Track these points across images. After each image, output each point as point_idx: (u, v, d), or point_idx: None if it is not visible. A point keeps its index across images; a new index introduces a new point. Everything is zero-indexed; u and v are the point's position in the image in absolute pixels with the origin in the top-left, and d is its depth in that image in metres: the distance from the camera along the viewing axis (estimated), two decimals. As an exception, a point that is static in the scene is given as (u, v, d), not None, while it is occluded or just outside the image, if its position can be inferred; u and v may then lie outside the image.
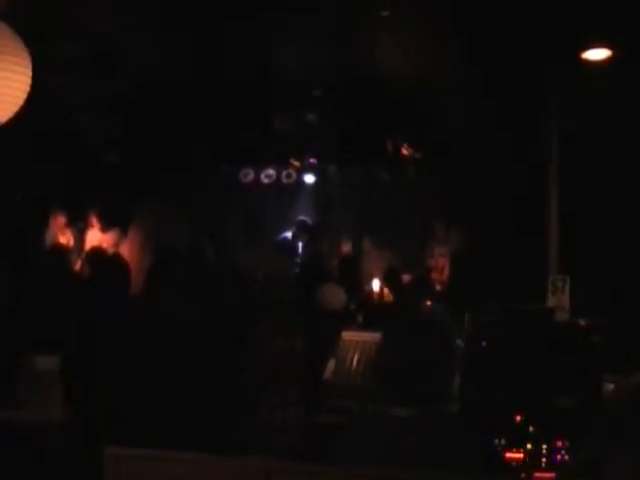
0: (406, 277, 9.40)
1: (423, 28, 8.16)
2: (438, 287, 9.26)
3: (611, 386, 3.72)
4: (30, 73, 4.56)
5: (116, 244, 9.65)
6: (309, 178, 12.78)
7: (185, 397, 3.96)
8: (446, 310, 6.81)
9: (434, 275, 9.58)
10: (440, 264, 10.20)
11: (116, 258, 5.79)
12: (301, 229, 11.85)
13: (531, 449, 3.54)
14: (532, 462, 3.53)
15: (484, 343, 3.80)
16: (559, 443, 3.52)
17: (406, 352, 2.67)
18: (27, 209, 9.95)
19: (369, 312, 6.94)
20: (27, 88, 4.52)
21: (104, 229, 10.04)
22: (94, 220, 10.11)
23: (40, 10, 6.79)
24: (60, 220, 10.02)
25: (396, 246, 11.06)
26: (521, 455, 3.54)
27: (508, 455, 3.53)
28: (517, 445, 3.55)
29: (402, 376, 2.65)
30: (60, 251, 7.68)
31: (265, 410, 4.62)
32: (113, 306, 4.49)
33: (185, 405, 3.94)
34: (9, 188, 9.77)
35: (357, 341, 4.93)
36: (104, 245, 9.08)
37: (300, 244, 11.57)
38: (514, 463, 3.52)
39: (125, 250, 9.25)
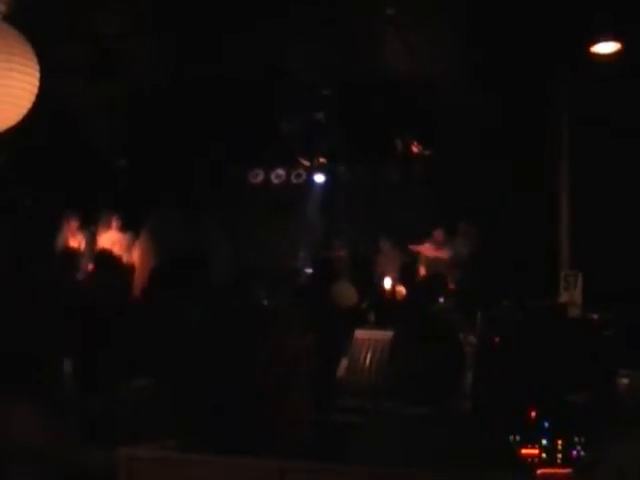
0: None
1: (430, 26, 8.15)
2: (451, 285, 9.22)
3: (625, 381, 3.71)
4: (38, 75, 4.57)
5: (129, 247, 9.67)
6: (319, 177, 12.76)
7: (204, 399, 3.95)
8: (454, 307, 6.82)
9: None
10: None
11: (117, 259, 5.82)
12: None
13: (546, 445, 3.52)
14: (548, 458, 3.51)
15: (497, 339, 3.79)
16: (575, 438, 3.50)
17: (417, 350, 2.66)
18: (37, 213, 9.98)
19: (381, 310, 6.94)
20: (35, 90, 4.53)
21: (123, 230, 10.09)
22: (114, 221, 10.14)
23: (48, 13, 6.81)
24: (73, 224, 10.06)
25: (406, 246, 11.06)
26: (536, 451, 3.52)
27: (523, 451, 3.51)
28: (532, 441, 3.53)
29: (414, 374, 2.64)
30: (69, 254, 7.72)
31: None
32: (113, 306, 4.49)
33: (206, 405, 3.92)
34: (20, 192, 9.80)
35: (370, 339, 4.91)
36: (116, 248, 9.10)
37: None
38: (530, 459, 3.50)
39: (136, 252, 9.27)
